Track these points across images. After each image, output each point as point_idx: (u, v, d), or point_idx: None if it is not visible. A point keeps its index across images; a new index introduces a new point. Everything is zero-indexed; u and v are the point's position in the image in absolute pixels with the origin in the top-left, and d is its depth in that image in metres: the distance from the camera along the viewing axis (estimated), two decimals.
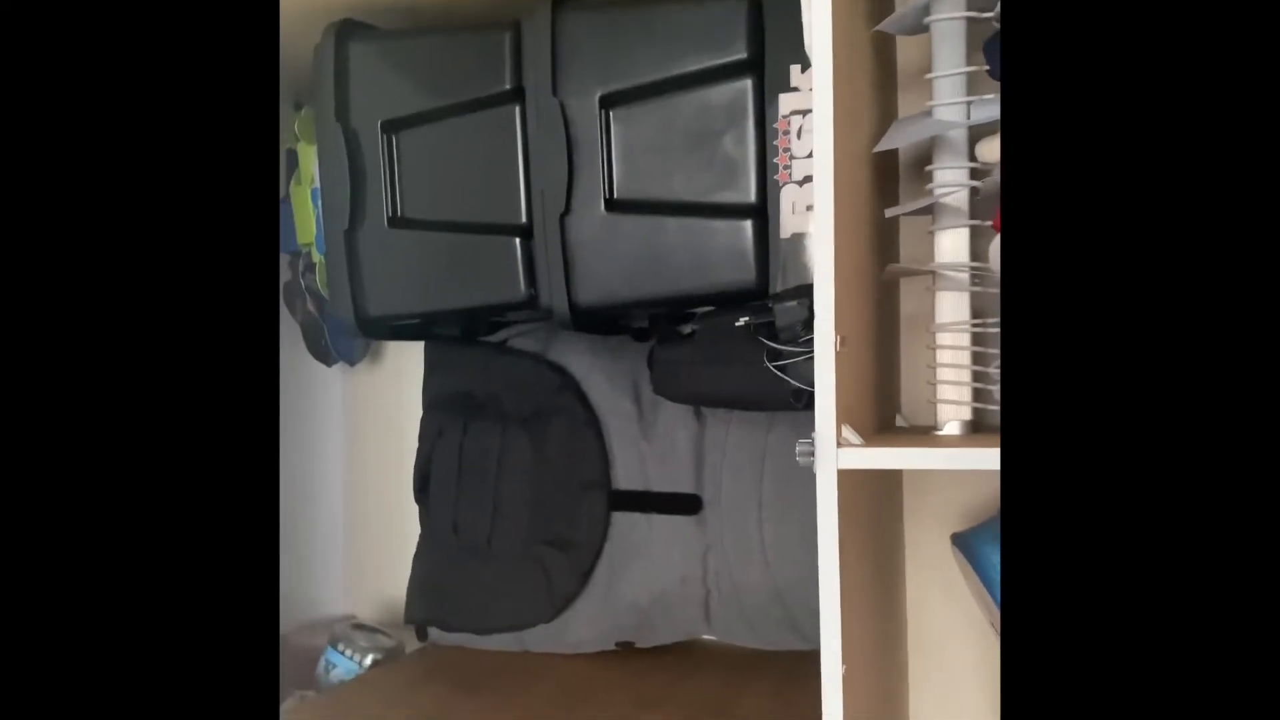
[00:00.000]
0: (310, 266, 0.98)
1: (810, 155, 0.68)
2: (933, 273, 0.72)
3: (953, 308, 0.72)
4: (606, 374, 0.91)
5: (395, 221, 0.80)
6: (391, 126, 0.80)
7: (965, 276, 0.71)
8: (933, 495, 0.89)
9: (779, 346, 0.66)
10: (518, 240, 0.76)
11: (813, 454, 0.58)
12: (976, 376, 0.71)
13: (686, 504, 0.89)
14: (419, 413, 1.03)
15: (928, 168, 0.71)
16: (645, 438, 0.90)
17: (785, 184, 0.69)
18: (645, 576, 0.90)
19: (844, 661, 0.58)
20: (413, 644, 1.02)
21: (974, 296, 0.72)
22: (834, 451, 0.58)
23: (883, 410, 0.78)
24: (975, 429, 0.72)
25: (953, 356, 0.72)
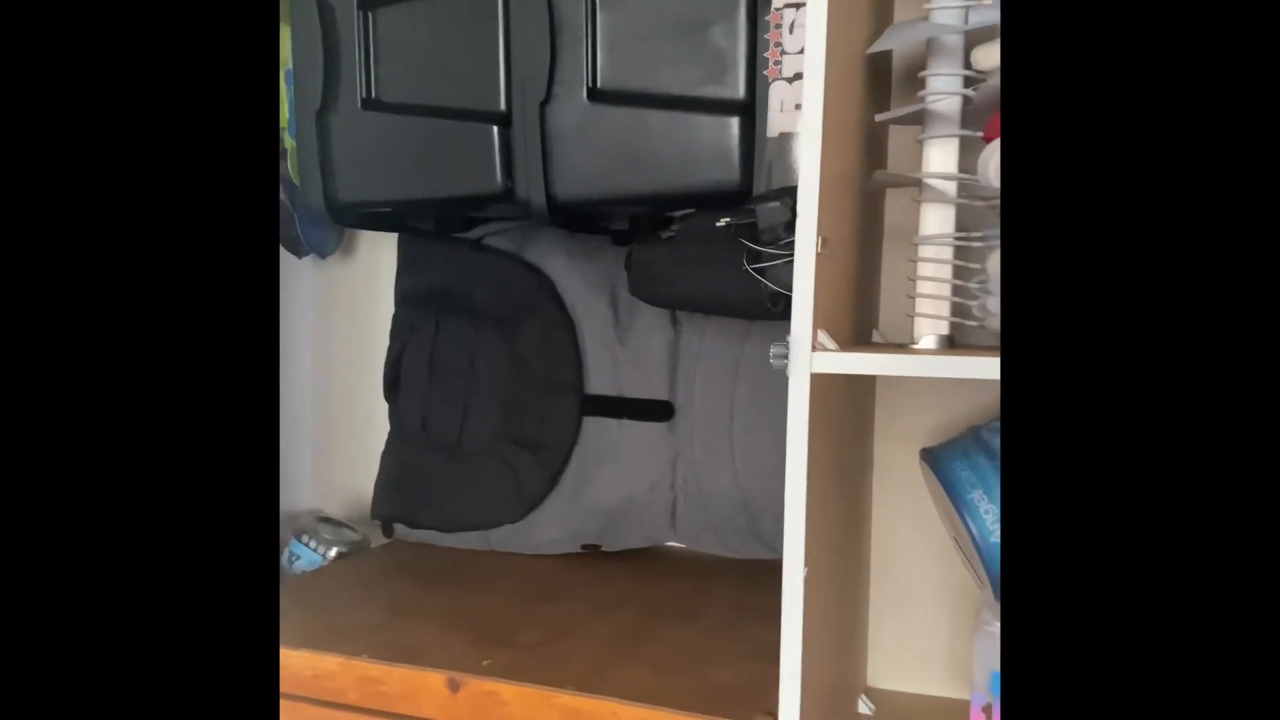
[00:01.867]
0: (281, 152, 0.95)
1: (802, 51, 0.65)
2: (919, 183, 0.70)
3: (937, 220, 0.70)
4: (583, 276, 0.90)
5: (369, 104, 0.77)
6: (368, 3, 0.76)
7: (952, 188, 0.70)
8: (904, 412, 0.89)
9: (759, 248, 0.65)
10: (495, 129, 0.73)
11: (787, 357, 0.57)
12: (956, 291, 0.70)
13: (659, 410, 0.89)
14: (391, 308, 1.01)
15: (921, 73, 0.69)
16: (620, 342, 0.89)
17: (774, 80, 0.67)
18: (614, 481, 0.90)
19: (805, 565, 0.59)
20: (378, 539, 1.03)
21: (960, 210, 0.71)
22: (808, 355, 0.57)
23: (860, 323, 0.78)
24: (951, 345, 0.72)
25: (934, 270, 0.70)
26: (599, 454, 0.90)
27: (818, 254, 0.57)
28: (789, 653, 0.58)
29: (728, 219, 0.67)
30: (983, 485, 0.71)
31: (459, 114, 0.74)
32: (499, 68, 0.73)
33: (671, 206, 0.75)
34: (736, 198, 0.69)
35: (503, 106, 0.73)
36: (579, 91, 0.70)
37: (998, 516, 0.70)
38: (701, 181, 0.69)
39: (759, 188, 0.68)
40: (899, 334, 0.84)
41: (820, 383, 0.60)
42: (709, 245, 0.70)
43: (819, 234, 0.57)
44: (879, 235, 0.86)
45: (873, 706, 0.86)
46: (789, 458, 0.58)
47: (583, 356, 0.90)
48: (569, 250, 0.91)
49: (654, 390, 0.89)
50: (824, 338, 0.58)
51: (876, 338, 0.86)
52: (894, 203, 0.87)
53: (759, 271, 0.65)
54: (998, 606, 0.68)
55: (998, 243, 0.66)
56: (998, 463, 0.72)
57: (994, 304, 0.67)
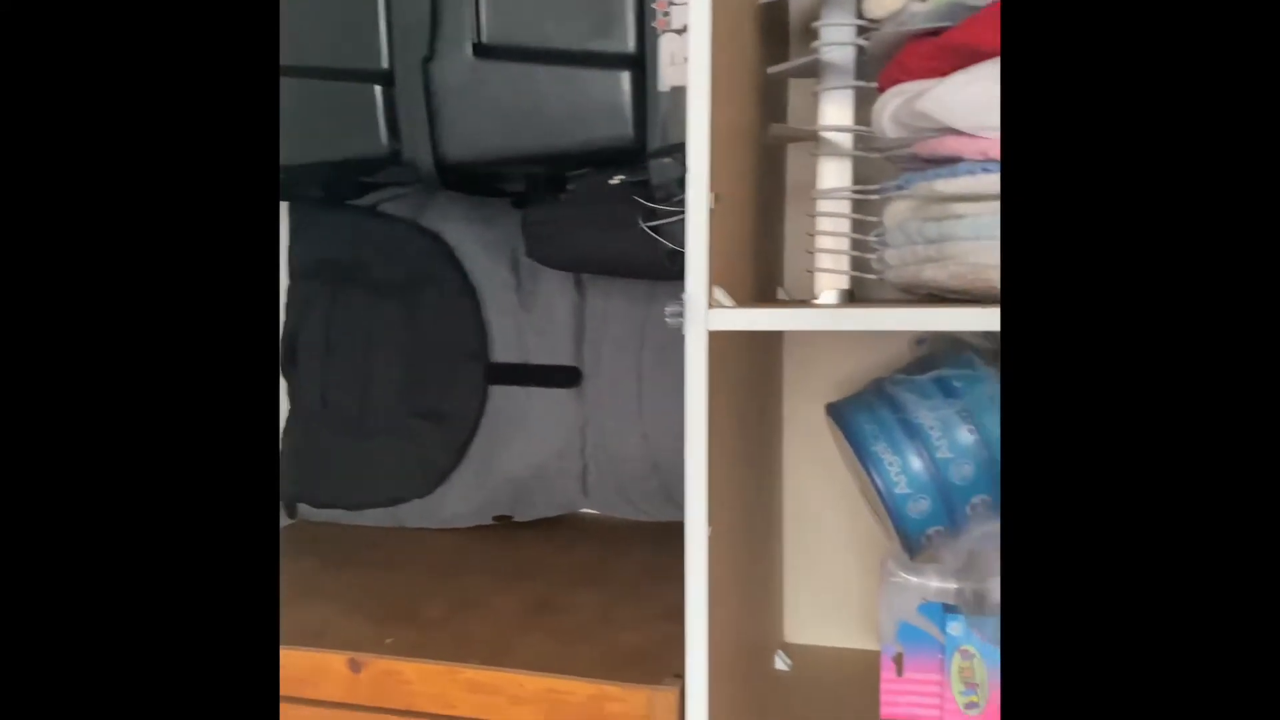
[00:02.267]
0: None
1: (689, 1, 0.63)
2: (816, 136, 0.69)
3: (834, 174, 0.70)
4: (483, 241, 0.87)
5: None
6: None
7: (848, 141, 0.69)
8: (814, 368, 0.88)
9: (654, 206, 0.63)
10: (378, 88, 0.70)
11: (682, 315, 0.56)
12: (856, 245, 0.70)
13: (565, 376, 0.87)
14: (284, 280, 0.97)
15: (813, 24, 0.68)
16: (523, 308, 0.87)
17: (664, 32, 0.65)
18: (523, 450, 0.89)
19: (710, 523, 0.58)
20: (282, 520, 0.99)
21: (857, 163, 0.70)
22: (704, 312, 0.56)
23: (762, 281, 0.77)
24: (852, 299, 0.71)
25: (832, 224, 0.70)
26: (506, 423, 0.88)
27: (710, 210, 0.55)
28: (694, 614, 0.57)
29: (621, 177, 0.65)
30: (886, 437, 0.72)
31: (340, 74, 0.71)
32: (379, 24, 0.69)
33: (565, 165, 0.73)
34: (631, 154, 0.67)
35: (385, 64, 0.70)
36: (464, 47, 0.68)
37: (901, 468, 0.71)
38: (594, 138, 0.67)
39: (654, 143, 0.66)
40: (805, 291, 0.84)
41: (719, 340, 0.59)
42: (605, 205, 0.68)
43: (711, 189, 0.55)
44: (781, 191, 0.86)
45: (789, 662, 0.87)
46: (688, 417, 0.57)
47: (485, 324, 0.87)
48: (467, 215, 0.88)
49: (560, 356, 0.87)
50: (719, 294, 0.57)
51: (782, 295, 0.85)
52: (796, 158, 0.86)
53: (655, 229, 0.63)
54: (904, 557, 0.68)
55: (894, 194, 0.66)
56: (901, 414, 0.72)
57: (892, 256, 0.67)
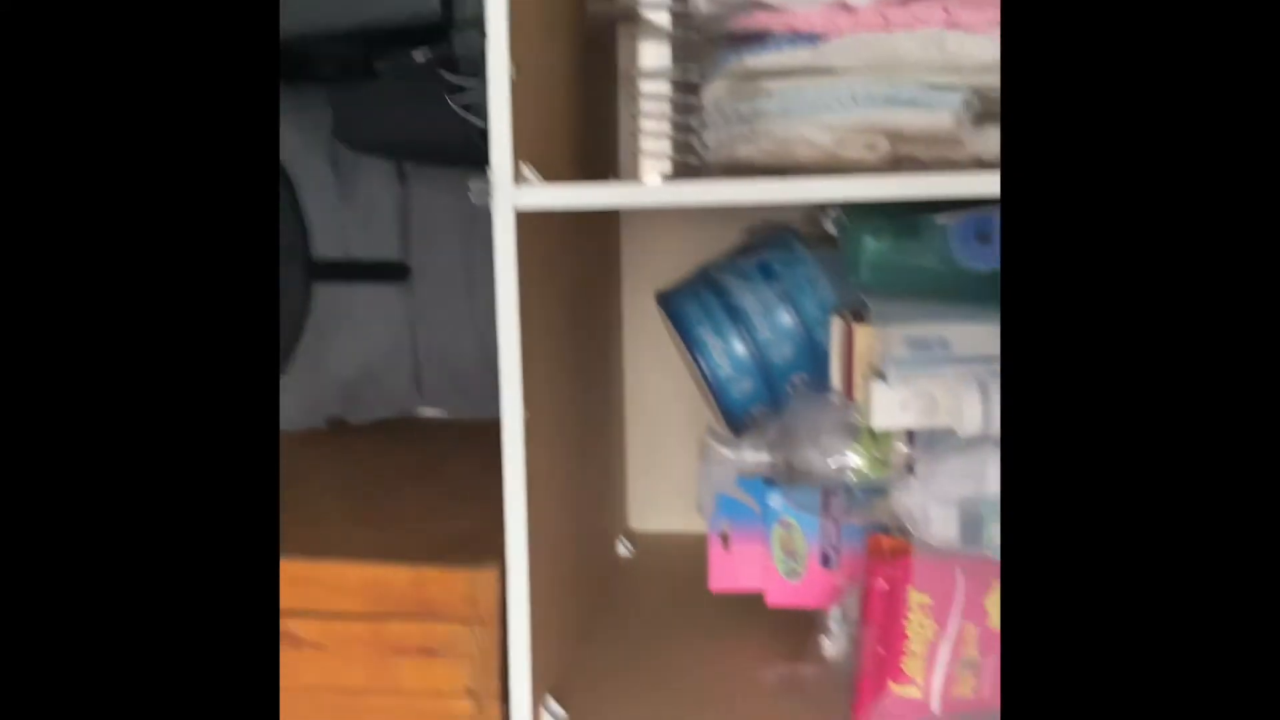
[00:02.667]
0: None
1: None
2: (635, 15, 0.68)
3: (654, 54, 0.69)
4: (298, 130, 0.83)
5: None
6: None
7: (666, 19, 0.68)
8: (654, 257, 0.88)
9: (462, 81, 0.61)
10: None
11: (488, 193, 0.55)
12: (680, 128, 0.69)
13: (391, 272, 0.85)
14: None
15: None
16: (344, 202, 0.84)
17: None
18: (351, 350, 0.86)
19: (527, 409, 0.58)
20: None
21: (678, 44, 0.69)
22: (510, 189, 0.55)
23: (593, 169, 0.76)
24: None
25: (653, 106, 0.69)
26: (333, 323, 0.85)
27: (512, 81, 0.54)
28: (512, 497, 0.57)
29: (427, 52, 0.62)
30: (710, 322, 0.72)
31: None
32: None
33: (373, 43, 0.69)
34: (439, 29, 0.64)
35: None
36: None
37: (725, 351, 0.72)
38: (399, 11, 0.63)
39: (461, 16, 0.63)
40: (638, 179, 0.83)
41: (531, 220, 0.57)
42: (415, 83, 0.65)
43: (512, 60, 0.53)
44: (612, 75, 0.84)
45: (631, 548, 0.89)
46: (499, 299, 0.56)
47: (304, 218, 0.83)
48: (280, 104, 0.83)
49: (385, 251, 0.84)
50: (528, 171, 0.56)
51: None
52: (629, 43, 0.84)
53: (464, 106, 0.61)
54: (725, 433, 0.70)
55: (715, 76, 0.65)
56: (724, 299, 0.73)
57: (711, 137, 0.66)
